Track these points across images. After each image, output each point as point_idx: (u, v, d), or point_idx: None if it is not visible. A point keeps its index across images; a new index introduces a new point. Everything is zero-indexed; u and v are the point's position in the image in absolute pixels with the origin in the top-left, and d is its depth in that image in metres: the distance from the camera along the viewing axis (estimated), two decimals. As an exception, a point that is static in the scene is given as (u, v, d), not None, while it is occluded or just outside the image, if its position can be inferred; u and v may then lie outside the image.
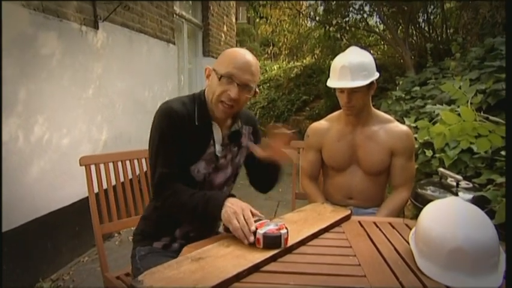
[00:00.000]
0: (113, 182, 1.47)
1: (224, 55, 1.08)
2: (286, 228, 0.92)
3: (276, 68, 9.66)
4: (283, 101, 8.02)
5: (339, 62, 1.38)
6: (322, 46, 6.83)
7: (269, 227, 0.91)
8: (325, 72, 7.22)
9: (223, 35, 5.71)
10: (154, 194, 1.08)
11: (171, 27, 3.75)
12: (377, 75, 1.38)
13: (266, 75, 9.34)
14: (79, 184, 2.27)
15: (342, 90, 1.37)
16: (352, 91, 1.34)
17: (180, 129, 1.05)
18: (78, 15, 2.34)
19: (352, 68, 1.32)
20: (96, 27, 2.52)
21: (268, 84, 8.86)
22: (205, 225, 1.13)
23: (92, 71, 2.50)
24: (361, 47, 1.44)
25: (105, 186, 1.43)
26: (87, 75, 2.46)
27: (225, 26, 5.79)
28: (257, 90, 1.10)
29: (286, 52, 8.28)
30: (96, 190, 1.41)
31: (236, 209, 0.95)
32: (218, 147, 1.13)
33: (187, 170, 1.08)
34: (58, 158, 2.18)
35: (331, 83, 1.39)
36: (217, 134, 1.13)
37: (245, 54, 1.07)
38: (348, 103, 1.36)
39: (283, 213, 1.21)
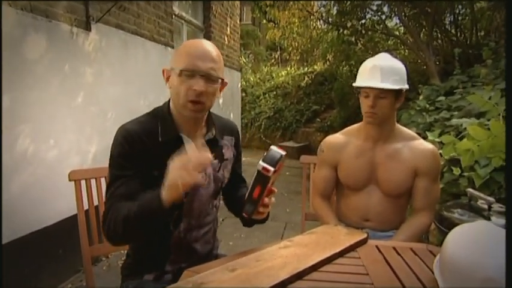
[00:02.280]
0: (104, 199, 1.48)
1: (179, 49, 1.07)
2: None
3: (283, 74, 9.75)
4: (292, 111, 8.11)
5: (369, 62, 1.44)
6: (336, 51, 6.91)
7: None
8: (338, 79, 7.30)
9: (226, 38, 5.81)
10: (102, 229, 1.03)
11: (169, 29, 3.83)
12: (407, 86, 1.42)
13: (273, 83, 9.43)
14: (64, 201, 2.32)
15: (367, 94, 1.40)
16: (378, 96, 1.38)
17: (139, 153, 1.02)
18: (68, 16, 2.41)
19: (383, 69, 1.37)
20: (88, 28, 2.59)
21: (274, 93, 8.96)
22: (159, 224, 1.02)
23: (82, 76, 2.56)
24: (394, 57, 1.50)
25: (95, 203, 1.46)
26: (78, 81, 2.52)
27: (228, 28, 5.89)
28: (225, 80, 1.09)
29: (295, 57, 8.37)
30: (85, 207, 1.43)
31: (173, 165, 0.89)
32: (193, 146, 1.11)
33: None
34: (43, 172, 2.22)
35: (358, 82, 1.43)
36: (190, 147, 1.09)
37: (202, 43, 1.07)
38: (371, 108, 1.39)
39: (292, 236, 1.22)
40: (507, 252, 0.78)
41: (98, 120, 2.73)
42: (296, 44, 7.77)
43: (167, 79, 1.09)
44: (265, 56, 12.65)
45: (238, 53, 6.72)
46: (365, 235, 1.22)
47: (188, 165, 0.87)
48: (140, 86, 3.16)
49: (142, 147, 1.03)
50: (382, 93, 1.37)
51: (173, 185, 0.89)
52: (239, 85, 6.81)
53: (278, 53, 10.81)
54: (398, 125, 1.51)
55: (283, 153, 0.92)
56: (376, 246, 1.18)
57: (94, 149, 2.69)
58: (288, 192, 4.66)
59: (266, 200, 0.99)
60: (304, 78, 8.76)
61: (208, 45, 1.07)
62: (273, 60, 11.21)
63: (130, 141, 1.03)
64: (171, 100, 1.12)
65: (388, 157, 1.46)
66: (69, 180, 1.40)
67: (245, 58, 10.97)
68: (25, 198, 2.10)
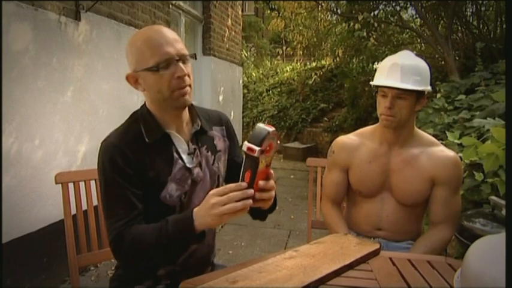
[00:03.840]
0: (94, 203, 1.49)
1: (134, 47, 1.05)
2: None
3: (288, 70, 9.73)
4: (297, 110, 8.11)
5: (389, 60, 1.43)
6: (345, 45, 6.90)
7: None
8: (348, 75, 7.29)
9: (227, 30, 5.81)
10: (113, 255, 1.07)
11: (166, 19, 3.83)
12: (429, 88, 1.40)
13: (277, 79, 9.43)
14: (50, 205, 2.33)
15: (385, 93, 1.39)
16: (396, 96, 1.37)
17: (129, 162, 1.04)
18: (56, 4, 2.41)
19: (404, 67, 1.36)
20: (77, 18, 2.58)
21: (279, 89, 8.96)
22: (181, 253, 1.10)
23: (71, 70, 2.56)
24: (416, 55, 1.49)
25: (84, 207, 1.45)
26: (66, 75, 2.52)
27: (229, 19, 5.90)
28: (193, 52, 1.12)
29: (301, 52, 8.36)
30: (73, 212, 1.43)
31: (209, 200, 0.93)
32: (186, 158, 1.13)
33: (156, 201, 1.08)
34: (27, 173, 2.22)
35: (376, 81, 1.42)
36: (180, 143, 1.13)
37: (156, 29, 1.06)
38: (389, 109, 1.38)
39: (297, 245, 1.21)
40: (507, 252, 0.78)
41: (88, 118, 2.72)
42: (302, 37, 7.74)
43: (135, 83, 1.09)
44: (269, 50, 12.67)
45: (240, 46, 6.73)
46: (377, 245, 1.21)
47: (238, 194, 0.90)
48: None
49: (133, 155, 1.05)
50: (401, 93, 1.36)
51: (214, 224, 0.94)
52: (241, 81, 6.82)
53: (283, 46, 10.82)
54: (417, 129, 1.50)
55: (271, 129, 0.89)
56: (390, 258, 1.17)
57: (84, 149, 2.69)
58: (293, 197, 4.66)
59: (261, 183, 0.94)
60: (311, 74, 8.72)
61: (164, 29, 1.07)
62: (277, 55, 11.21)
63: (119, 154, 1.04)
64: (148, 103, 1.13)
65: (404, 163, 1.45)
66: (56, 183, 1.40)
67: (247, 52, 11.00)
68: (7, 203, 2.09)
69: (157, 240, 0.97)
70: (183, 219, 0.97)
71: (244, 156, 0.90)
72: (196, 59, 1.13)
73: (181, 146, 1.13)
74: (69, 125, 2.56)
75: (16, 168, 2.15)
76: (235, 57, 6.24)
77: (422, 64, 1.41)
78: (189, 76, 1.06)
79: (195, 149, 1.15)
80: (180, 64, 1.04)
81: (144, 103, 1.15)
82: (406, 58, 1.42)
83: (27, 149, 2.23)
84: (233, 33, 6.10)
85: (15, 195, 2.15)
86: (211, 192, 0.93)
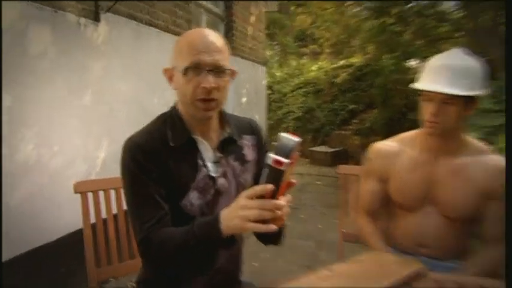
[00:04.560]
0: (114, 211, 1.50)
1: (178, 44, 1.09)
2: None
3: (315, 68, 9.61)
4: (324, 111, 8.05)
5: (436, 60, 1.35)
6: (377, 41, 6.76)
7: None
8: (380, 74, 7.14)
9: (250, 28, 5.81)
10: (141, 258, 1.08)
11: (187, 18, 3.86)
12: (482, 92, 1.30)
13: (302, 78, 9.36)
14: (68, 214, 2.35)
15: (430, 98, 1.32)
16: (443, 101, 1.29)
17: (153, 163, 1.06)
18: (75, 5, 2.46)
19: (453, 70, 1.28)
20: (97, 19, 2.63)
21: (304, 90, 8.87)
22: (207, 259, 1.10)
23: (90, 72, 2.60)
24: (468, 53, 1.37)
25: (103, 216, 1.46)
26: (85, 77, 2.56)
27: (252, 17, 5.90)
28: (234, 69, 1.11)
29: (328, 49, 8.26)
30: (92, 221, 1.43)
31: (239, 201, 0.91)
32: (211, 166, 1.13)
33: (176, 208, 1.08)
34: (45, 181, 2.26)
35: (420, 84, 1.34)
36: (206, 149, 1.13)
37: (203, 32, 1.08)
38: (433, 116, 1.31)
39: (326, 258, 1.16)
40: (507, 252, 0.84)
41: (107, 121, 2.76)
42: (330, 34, 7.64)
43: (170, 79, 1.12)
44: (294, 48, 12.59)
45: (264, 45, 6.72)
46: (420, 265, 1.15)
47: (269, 203, 0.87)
48: (154, 82, 3.18)
49: (156, 156, 1.06)
50: (448, 98, 1.28)
51: (239, 227, 0.92)
52: (264, 81, 6.81)
53: (309, 44, 10.75)
54: (466, 136, 1.41)
55: (297, 139, 0.86)
56: (436, 280, 1.10)
57: (103, 155, 2.72)
58: (320, 205, 4.59)
59: (281, 200, 0.89)
60: (339, 73, 8.63)
61: (211, 35, 1.08)
62: (304, 55, 11.15)
63: (143, 153, 1.05)
64: (179, 103, 1.15)
65: (452, 173, 1.37)
66: (75, 192, 1.42)
67: (271, 50, 11.00)
68: (25, 211, 2.13)
69: (185, 243, 0.98)
70: (209, 221, 0.98)
71: (265, 169, 0.87)
72: (233, 77, 1.11)
73: (207, 153, 1.13)
74: (88, 129, 2.60)
75: (35, 176, 2.19)
76: (258, 56, 6.24)
77: (474, 64, 1.31)
78: (219, 90, 1.06)
79: (221, 158, 1.14)
80: (210, 75, 1.03)
81: (175, 104, 1.16)
82: (456, 58, 1.32)
83: (46, 155, 2.26)
84: (256, 31, 6.10)
85: (32, 204, 2.19)
86: (243, 193, 0.91)
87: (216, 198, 1.12)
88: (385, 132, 6.46)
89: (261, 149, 1.25)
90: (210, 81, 1.03)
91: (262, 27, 6.45)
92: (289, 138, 0.86)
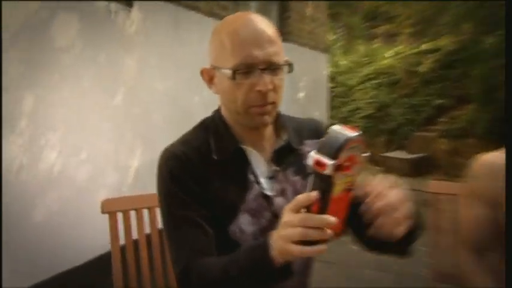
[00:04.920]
0: (146, 231, 1.50)
1: (218, 37, 1.02)
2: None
3: (390, 55, 9.38)
4: (402, 107, 7.83)
5: None
6: (474, 19, 6.39)
7: None
8: (478, 60, 6.75)
9: (309, 8, 5.76)
10: None
11: (233, 0, 3.88)
12: None
13: (373, 67, 9.16)
14: (97, 233, 2.39)
15: None
16: None
17: (194, 179, 1.04)
18: (106, -11, 2.52)
19: None
20: (129, 4, 2.67)
21: (376, 81, 8.69)
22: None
23: (122, 68, 2.65)
24: None
25: (134, 237, 1.48)
26: (116, 74, 2.61)
27: (311, -6, 5.86)
28: (289, 60, 1.04)
29: (408, 30, 7.93)
30: (121, 242, 1.45)
31: (283, 217, 0.83)
32: (266, 182, 1.08)
33: (223, 235, 1.04)
34: (71, 194, 2.32)
35: None
36: (258, 162, 1.09)
37: (248, 19, 1.02)
38: None
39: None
40: (507, 252, 0.93)
41: (141, 125, 2.79)
42: (410, 11, 7.32)
43: (210, 82, 1.08)
44: (363, 30, 12.37)
45: (325, 28, 6.65)
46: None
47: (315, 219, 0.78)
48: (195, 78, 3.15)
49: (198, 171, 1.05)
50: None
51: (283, 251, 0.84)
52: (326, 72, 6.73)
53: (382, 25, 10.46)
54: None
55: (352, 134, 0.75)
56: None
57: (136, 164, 2.77)
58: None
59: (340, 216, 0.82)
60: (421, 60, 8.31)
61: (259, 21, 1.02)
62: (374, 37, 10.88)
63: (183, 168, 1.05)
64: (222, 108, 1.12)
65: None
66: (102, 212, 1.43)
67: (334, 34, 10.89)
68: (48, 230, 2.20)
69: (227, 275, 0.94)
70: (258, 245, 0.92)
71: (312, 175, 0.78)
72: (292, 71, 1.05)
73: (260, 166, 1.09)
74: (120, 134, 2.65)
75: (59, 189, 2.25)
76: (319, 41, 6.17)
77: None
78: (275, 91, 1.01)
79: (277, 172, 1.10)
80: (266, 75, 0.98)
81: (218, 108, 1.13)
82: None
83: (72, 164, 2.33)
84: (316, 12, 6.03)
85: (56, 221, 2.25)
86: (287, 206, 0.84)
87: (272, 223, 1.04)
88: (486, 136, 6.12)
89: None
90: (266, 82, 0.98)
91: (323, 6, 6.39)
92: (339, 131, 0.76)
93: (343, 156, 0.74)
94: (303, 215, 0.79)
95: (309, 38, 5.75)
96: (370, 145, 7.70)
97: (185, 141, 1.09)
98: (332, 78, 8.51)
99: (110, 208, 1.42)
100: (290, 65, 1.04)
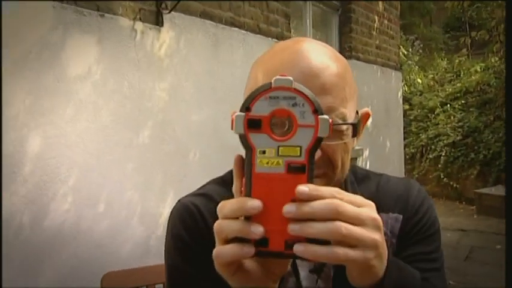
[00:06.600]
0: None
1: (254, 77, 0.93)
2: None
3: (479, 69, 9.23)
4: (498, 133, 7.55)
5: None
6: None
7: None
8: None
9: (376, 19, 5.70)
10: None
11: (284, 13, 3.83)
12: None
13: (459, 85, 9.09)
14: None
15: None
16: None
17: (202, 236, 0.97)
18: (129, 5, 2.48)
19: None
20: (159, 23, 2.64)
21: (462, 101, 8.61)
22: None
23: (149, 97, 2.60)
24: None
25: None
26: (142, 104, 2.56)
27: (379, 3, 5.80)
28: (366, 111, 0.96)
29: (502, 39, 7.59)
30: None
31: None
32: (307, 276, 0.98)
33: None
34: (88, 255, 2.23)
35: None
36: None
37: (296, 53, 0.89)
38: None
39: None
40: (507, 252, 1.13)
41: (173, 165, 2.74)
42: (503, 14, 7.03)
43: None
44: (444, 42, 12.23)
45: (397, 41, 6.57)
46: None
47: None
48: (239, 107, 3.12)
49: (206, 227, 0.98)
50: None
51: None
52: (400, 92, 6.59)
53: (469, 33, 10.20)
54: None
55: (282, 78, 0.62)
56: None
57: (167, 210, 2.65)
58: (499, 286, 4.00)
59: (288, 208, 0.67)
60: (519, 73, 7.97)
61: (313, 57, 0.88)
62: (458, 50, 10.62)
63: (188, 220, 1.02)
64: None
65: None
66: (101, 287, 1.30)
67: (409, 48, 10.80)
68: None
69: None
70: None
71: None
72: (356, 135, 0.89)
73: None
74: (147, 177, 2.59)
75: (72, 249, 2.17)
76: (389, 57, 6.10)
77: None
78: (333, 157, 0.88)
79: (323, 265, 0.97)
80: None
81: None
82: None
83: (88, 217, 2.25)
84: (386, 22, 5.97)
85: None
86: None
87: None
88: None
89: (410, 239, 1.01)
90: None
91: (394, 15, 6.30)
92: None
93: (265, 110, 0.61)
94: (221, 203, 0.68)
95: (377, 54, 5.68)
96: (458, 177, 7.48)
97: (202, 193, 1.07)
98: (407, 100, 8.46)
99: (110, 284, 1.32)
100: (354, 126, 0.87)
